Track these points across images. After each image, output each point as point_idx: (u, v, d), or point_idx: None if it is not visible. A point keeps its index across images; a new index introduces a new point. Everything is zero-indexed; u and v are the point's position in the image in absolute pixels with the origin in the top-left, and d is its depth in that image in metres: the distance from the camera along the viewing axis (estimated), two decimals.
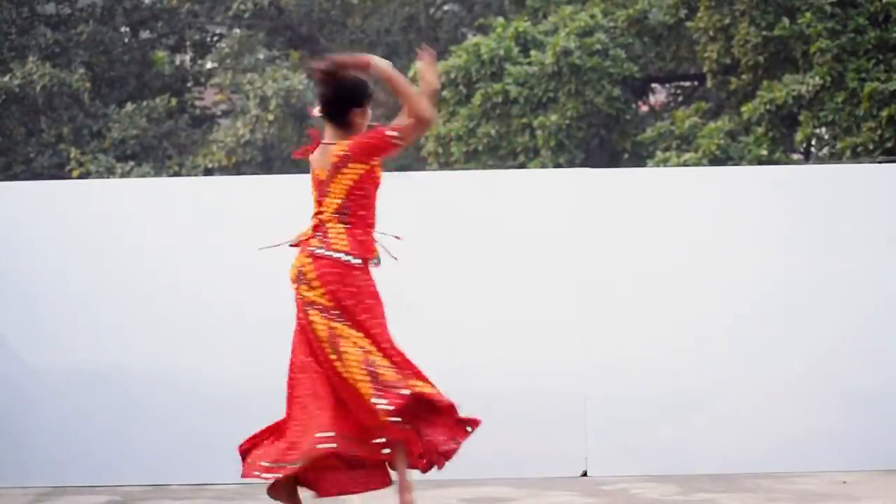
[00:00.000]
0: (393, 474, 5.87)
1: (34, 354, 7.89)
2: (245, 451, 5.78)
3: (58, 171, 20.66)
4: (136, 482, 7.74)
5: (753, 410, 7.88)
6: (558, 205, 7.99)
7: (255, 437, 5.80)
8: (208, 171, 20.06)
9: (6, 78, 20.89)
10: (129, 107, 21.20)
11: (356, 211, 5.86)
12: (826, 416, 7.89)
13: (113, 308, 7.90)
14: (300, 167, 19.05)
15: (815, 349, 7.91)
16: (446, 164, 18.64)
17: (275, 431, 5.76)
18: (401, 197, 8.11)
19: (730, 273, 7.94)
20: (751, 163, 16.90)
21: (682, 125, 18.31)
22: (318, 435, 5.52)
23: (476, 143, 18.55)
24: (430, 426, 5.76)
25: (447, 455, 5.83)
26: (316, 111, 5.89)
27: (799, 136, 17.39)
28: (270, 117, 19.90)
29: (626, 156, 18.98)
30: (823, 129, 17.51)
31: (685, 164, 16.82)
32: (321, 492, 5.74)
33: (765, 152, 17.25)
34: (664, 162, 17.35)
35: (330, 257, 5.74)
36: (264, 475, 5.60)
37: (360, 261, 5.78)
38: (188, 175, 19.53)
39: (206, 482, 7.67)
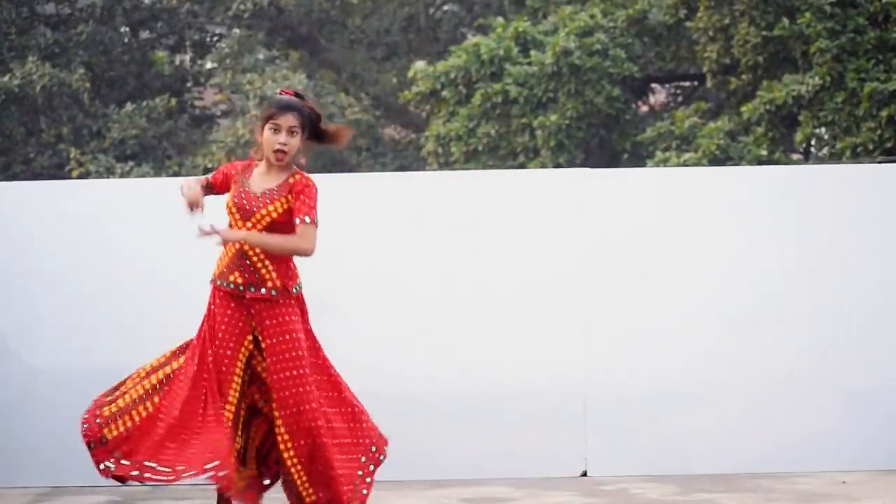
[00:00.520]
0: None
1: (34, 354, 7.89)
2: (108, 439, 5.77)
3: (57, 171, 20.66)
4: (136, 482, 7.72)
5: (753, 410, 7.88)
6: (558, 205, 7.98)
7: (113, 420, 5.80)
8: (208, 171, 20.03)
9: (6, 78, 20.88)
10: (129, 107, 21.19)
11: None
12: (826, 416, 7.88)
13: (113, 308, 7.89)
14: (299, 167, 19.07)
15: (815, 349, 7.91)
16: (446, 165, 18.64)
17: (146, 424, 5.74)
18: (401, 197, 8.11)
19: (729, 273, 7.93)
20: (750, 163, 16.89)
21: (681, 125, 18.31)
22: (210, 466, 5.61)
23: (476, 143, 18.55)
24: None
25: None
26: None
27: (799, 137, 17.39)
28: None
29: (625, 156, 18.98)
30: (823, 130, 17.50)
31: (685, 165, 16.82)
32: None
33: (764, 152, 17.25)
34: (664, 162, 17.35)
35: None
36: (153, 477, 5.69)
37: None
38: (188, 175, 19.50)
39: (206, 482, 7.66)
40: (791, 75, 17.38)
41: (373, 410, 7.85)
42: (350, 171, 19.31)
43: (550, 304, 7.93)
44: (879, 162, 14.74)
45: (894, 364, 7.90)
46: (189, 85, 23.72)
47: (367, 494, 5.87)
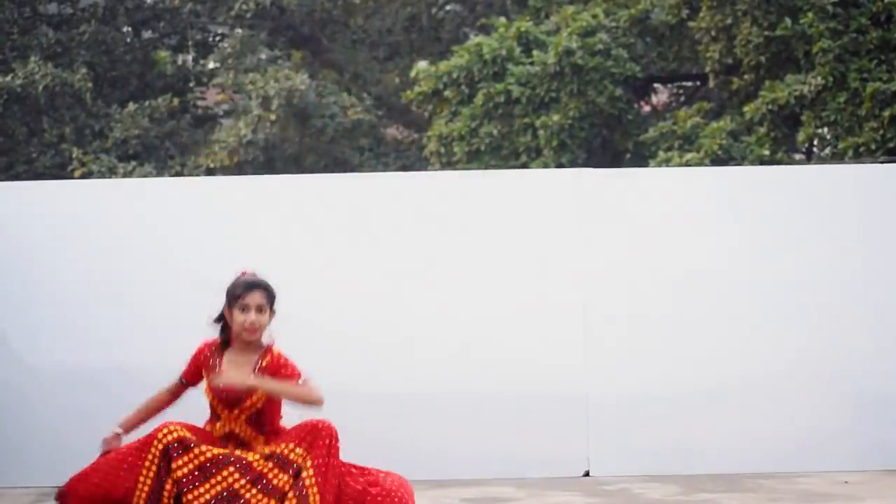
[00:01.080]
0: None
1: (34, 354, 7.88)
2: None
3: (60, 171, 20.63)
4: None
5: (755, 410, 7.87)
6: (560, 205, 7.98)
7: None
8: (210, 171, 20.03)
9: (8, 78, 20.86)
10: (132, 107, 21.16)
11: None
12: (828, 416, 7.88)
13: (113, 308, 7.89)
14: (302, 167, 19.05)
15: (817, 349, 7.90)
16: (448, 164, 18.61)
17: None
18: (403, 196, 8.11)
19: (732, 273, 7.93)
20: (753, 163, 16.86)
21: (684, 125, 18.27)
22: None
23: (478, 142, 18.52)
24: None
25: None
26: None
27: (801, 136, 17.35)
28: (272, 117, 19.86)
29: (628, 156, 18.95)
30: (825, 129, 17.46)
31: (687, 164, 16.78)
32: None
33: (767, 152, 17.21)
34: (666, 162, 17.32)
35: None
36: None
37: None
38: (190, 175, 19.49)
39: None
40: (793, 75, 17.35)
41: (374, 411, 7.86)
42: (352, 170, 19.28)
43: (553, 304, 7.92)
44: (882, 162, 14.72)
45: (895, 364, 7.89)
46: (191, 85, 23.70)
47: None
